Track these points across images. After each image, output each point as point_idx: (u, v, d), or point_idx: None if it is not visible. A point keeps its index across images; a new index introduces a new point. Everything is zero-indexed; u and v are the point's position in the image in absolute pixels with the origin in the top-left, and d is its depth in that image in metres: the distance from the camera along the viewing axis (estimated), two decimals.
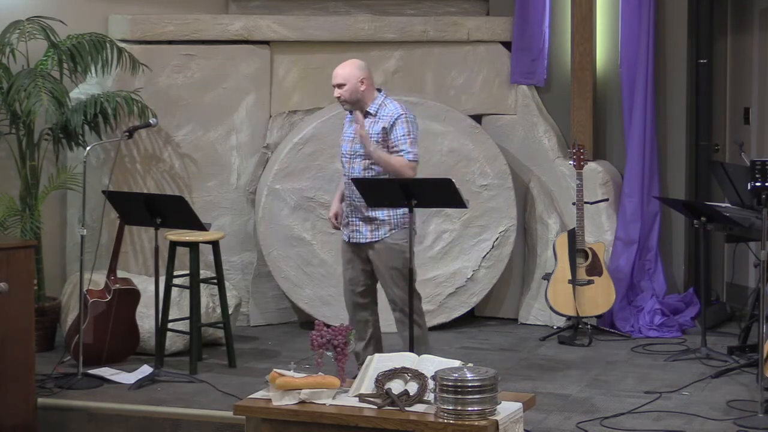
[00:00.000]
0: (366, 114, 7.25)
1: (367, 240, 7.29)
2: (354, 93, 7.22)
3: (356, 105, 7.24)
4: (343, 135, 7.41)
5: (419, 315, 7.33)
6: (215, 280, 8.12)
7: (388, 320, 7.59)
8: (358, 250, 7.37)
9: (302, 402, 5.57)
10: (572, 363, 8.17)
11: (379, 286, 7.43)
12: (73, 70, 8.45)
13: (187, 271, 7.99)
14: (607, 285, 8.78)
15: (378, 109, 7.24)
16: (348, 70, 7.25)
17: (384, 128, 7.17)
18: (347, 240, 7.37)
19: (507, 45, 9.51)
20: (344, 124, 7.46)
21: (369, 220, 7.27)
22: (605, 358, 8.30)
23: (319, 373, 5.69)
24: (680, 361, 8.14)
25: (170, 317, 7.95)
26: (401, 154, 7.15)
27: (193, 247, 7.92)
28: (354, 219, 7.32)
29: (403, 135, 7.16)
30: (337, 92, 7.24)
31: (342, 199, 7.43)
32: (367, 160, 7.22)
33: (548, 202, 9.33)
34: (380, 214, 7.24)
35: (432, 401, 5.43)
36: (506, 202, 9.19)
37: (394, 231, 7.25)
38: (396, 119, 7.17)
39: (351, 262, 7.42)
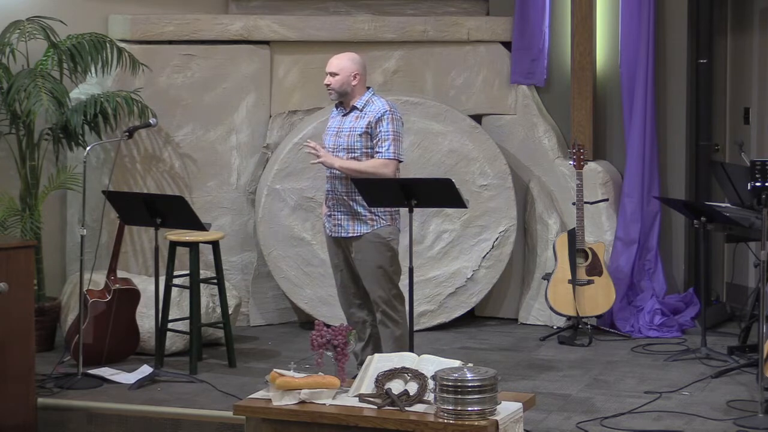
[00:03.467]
0: (352, 108, 7.28)
1: (348, 235, 7.28)
2: (344, 85, 7.27)
3: (343, 96, 7.30)
4: (327, 129, 7.43)
5: (401, 316, 7.33)
6: (215, 280, 8.11)
7: None
8: (342, 246, 7.36)
9: (302, 402, 5.57)
10: (572, 363, 8.17)
11: None
12: (73, 70, 8.45)
13: (187, 271, 7.99)
14: (607, 285, 8.78)
15: (365, 105, 7.28)
16: (343, 62, 7.31)
17: (369, 122, 7.20)
18: (329, 233, 7.37)
19: (507, 45, 9.51)
20: (330, 118, 7.47)
21: (352, 214, 7.25)
22: (605, 358, 8.30)
23: (319, 373, 5.69)
24: (680, 361, 8.13)
25: (170, 317, 7.95)
26: (378, 155, 7.17)
27: (193, 247, 7.92)
28: (337, 213, 7.32)
29: (387, 131, 7.18)
30: (327, 80, 7.31)
31: None
32: (351, 154, 7.23)
33: (548, 202, 9.33)
34: (362, 208, 7.24)
35: (432, 401, 5.43)
36: (506, 202, 9.19)
37: (376, 227, 7.24)
38: (382, 115, 7.20)
39: (338, 267, 7.43)
